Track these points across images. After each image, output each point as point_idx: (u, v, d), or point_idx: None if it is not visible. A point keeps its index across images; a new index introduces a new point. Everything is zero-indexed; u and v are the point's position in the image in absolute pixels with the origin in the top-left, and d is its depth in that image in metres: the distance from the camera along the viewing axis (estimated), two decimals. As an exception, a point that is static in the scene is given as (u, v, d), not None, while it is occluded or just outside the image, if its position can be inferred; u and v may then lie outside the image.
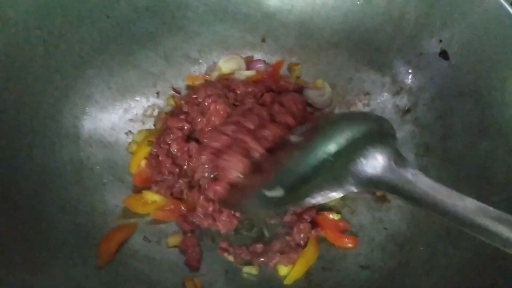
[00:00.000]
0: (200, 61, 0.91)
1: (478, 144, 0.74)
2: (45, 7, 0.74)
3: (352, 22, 0.86)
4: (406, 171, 0.57)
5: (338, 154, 0.57)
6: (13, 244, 0.62)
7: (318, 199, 0.61)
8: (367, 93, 0.89)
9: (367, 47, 0.87)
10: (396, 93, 0.87)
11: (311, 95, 0.89)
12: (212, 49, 0.91)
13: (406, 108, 0.85)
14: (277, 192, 0.60)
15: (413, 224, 0.77)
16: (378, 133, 0.60)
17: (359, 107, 0.89)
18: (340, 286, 0.73)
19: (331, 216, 0.79)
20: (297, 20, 0.89)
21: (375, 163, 0.58)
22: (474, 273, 0.64)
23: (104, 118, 0.83)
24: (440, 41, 0.80)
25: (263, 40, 0.92)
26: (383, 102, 0.88)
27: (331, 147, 0.57)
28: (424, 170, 0.79)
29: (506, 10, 0.70)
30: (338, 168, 0.58)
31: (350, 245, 0.77)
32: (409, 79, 0.86)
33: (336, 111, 0.90)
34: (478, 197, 0.70)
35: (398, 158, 0.58)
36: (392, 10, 0.82)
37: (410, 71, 0.85)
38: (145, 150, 0.81)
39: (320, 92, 0.89)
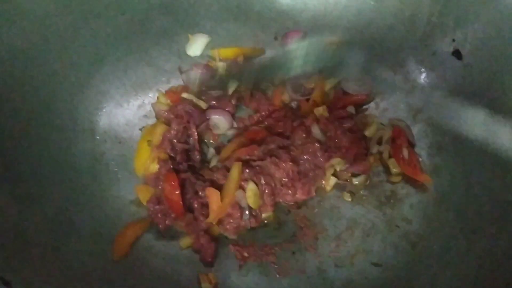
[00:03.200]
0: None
1: (491, 144, 0.74)
2: (62, 3, 0.75)
3: (364, 21, 0.87)
4: None
5: None
6: (33, 236, 0.63)
7: None
8: (379, 92, 0.89)
9: (380, 46, 0.88)
10: (409, 92, 0.87)
11: (352, 85, 0.89)
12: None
13: (418, 107, 0.86)
14: None
15: (425, 222, 0.77)
16: None
17: (371, 105, 0.89)
18: (352, 283, 0.73)
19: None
20: (309, 18, 0.89)
21: None
22: (489, 271, 0.64)
23: (118, 114, 0.84)
24: (453, 40, 0.80)
25: (276, 38, 0.92)
26: (395, 101, 0.88)
27: None
28: (436, 169, 0.81)
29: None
30: None
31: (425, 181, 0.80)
32: (421, 78, 0.86)
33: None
34: (491, 196, 0.71)
35: None
36: (405, 9, 0.83)
37: (422, 70, 0.86)
38: (146, 151, 0.80)
39: (360, 81, 0.89)
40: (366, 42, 0.88)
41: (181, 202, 0.74)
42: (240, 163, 0.77)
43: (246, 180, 0.76)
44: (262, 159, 0.79)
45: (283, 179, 0.79)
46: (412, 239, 0.76)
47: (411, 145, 0.84)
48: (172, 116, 0.82)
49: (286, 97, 0.89)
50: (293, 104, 0.89)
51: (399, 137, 0.83)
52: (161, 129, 0.80)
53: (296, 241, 0.78)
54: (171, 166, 0.77)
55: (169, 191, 0.74)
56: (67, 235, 0.68)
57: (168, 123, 0.82)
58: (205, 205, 0.75)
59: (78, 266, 0.65)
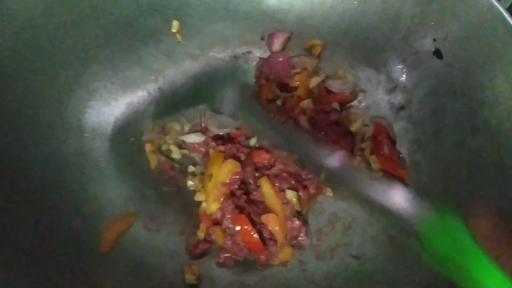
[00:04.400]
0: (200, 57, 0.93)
1: (469, 140, 0.77)
2: (51, 4, 0.76)
3: (349, 21, 0.88)
4: None
5: None
6: (21, 230, 0.65)
7: None
8: (362, 91, 0.91)
9: (364, 45, 0.89)
10: (391, 90, 0.89)
11: (335, 84, 0.91)
12: (213, 47, 0.93)
13: (400, 105, 0.88)
14: None
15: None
16: None
17: (355, 104, 0.91)
18: (332, 275, 0.75)
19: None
20: (295, 18, 0.91)
21: None
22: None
23: (107, 112, 0.85)
24: (434, 40, 0.82)
25: (262, 38, 0.94)
26: (378, 99, 0.90)
27: None
28: (417, 165, 0.83)
29: (498, 11, 0.72)
30: None
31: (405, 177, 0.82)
32: (403, 77, 0.88)
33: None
34: (468, 192, 0.73)
35: None
36: (388, 10, 0.84)
37: (404, 69, 0.87)
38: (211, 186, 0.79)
39: (343, 80, 0.92)
40: (351, 42, 0.90)
41: (261, 242, 0.75)
42: (266, 177, 0.78)
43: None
44: (272, 165, 0.82)
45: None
46: (390, 233, 0.78)
47: (392, 141, 0.86)
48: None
49: (271, 95, 0.91)
50: (279, 102, 0.91)
51: (380, 134, 0.86)
52: (232, 167, 0.79)
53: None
54: (234, 205, 0.77)
55: (246, 235, 0.74)
56: (55, 228, 0.70)
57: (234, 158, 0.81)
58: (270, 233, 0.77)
59: (65, 258, 0.67)
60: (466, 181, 0.75)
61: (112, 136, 0.85)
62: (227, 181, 0.78)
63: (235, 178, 0.78)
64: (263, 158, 0.81)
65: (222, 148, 0.83)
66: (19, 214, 0.66)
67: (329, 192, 0.83)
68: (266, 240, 0.76)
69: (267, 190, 0.78)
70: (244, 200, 0.77)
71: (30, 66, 0.75)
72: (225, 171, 0.78)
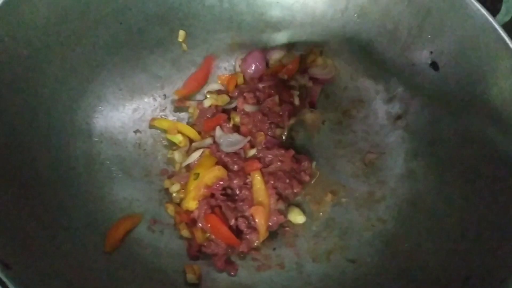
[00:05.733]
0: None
1: (463, 150, 0.79)
2: (63, 13, 0.79)
3: (348, 33, 0.92)
4: None
5: None
6: (32, 227, 0.67)
7: None
8: (361, 101, 0.94)
9: (363, 57, 0.92)
10: (389, 100, 0.92)
11: (316, 71, 0.95)
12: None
13: (398, 114, 0.90)
14: None
15: (399, 223, 0.82)
16: None
17: (353, 113, 0.94)
18: (328, 277, 0.78)
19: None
20: (297, 29, 0.94)
21: None
22: (451, 267, 0.69)
23: (114, 117, 0.88)
24: (431, 52, 0.84)
25: (265, 48, 0.97)
26: (376, 108, 0.93)
27: None
28: (412, 173, 0.85)
29: (492, 26, 0.74)
30: None
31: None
32: (401, 88, 0.90)
33: (331, 116, 0.95)
34: (462, 199, 0.76)
35: None
36: (387, 23, 0.87)
37: (402, 80, 0.90)
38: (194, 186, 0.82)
39: (323, 66, 0.96)
40: (350, 53, 0.93)
41: (233, 235, 0.79)
42: (259, 171, 0.82)
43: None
44: (269, 164, 0.85)
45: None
46: (386, 238, 0.81)
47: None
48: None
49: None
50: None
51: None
52: (219, 173, 0.82)
53: (277, 238, 0.83)
54: (208, 205, 0.81)
55: (217, 232, 0.79)
56: (64, 227, 0.72)
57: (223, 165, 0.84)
58: (249, 224, 0.81)
59: (72, 256, 0.70)
60: (460, 190, 0.77)
61: (118, 140, 0.88)
62: (210, 185, 0.81)
63: (219, 183, 0.82)
64: (255, 167, 0.83)
65: (220, 154, 0.85)
66: (29, 212, 0.69)
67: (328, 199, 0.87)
68: (244, 232, 0.80)
69: (257, 184, 0.81)
70: (220, 200, 0.81)
71: (42, 72, 0.78)
72: (211, 175, 0.81)
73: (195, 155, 0.86)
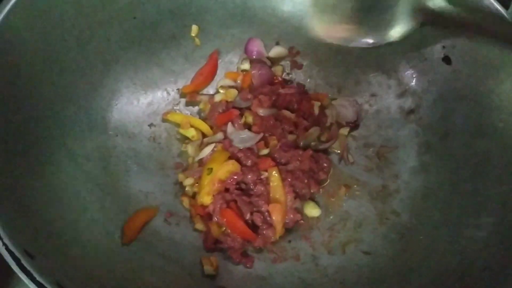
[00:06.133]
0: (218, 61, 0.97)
1: (475, 143, 0.80)
2: (78, 7, 0.79)
3: (362, 28, 0.92)
4: None
5: None
6: (53, 218, 0.68)
7: None
8: (373, 95, 0.94)
9: (375, 52, 0.92)
10: (401, 95, 0.92)
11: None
12: (229, 51, 0.97)
13: (410, 109, 0.91)
14: None
15: (413, 215, 0.82)
16: None
17: (365, 107, 0.94)
18: (344, 269, 0.78)
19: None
20: (309, 24, 0.94)
21: None
22: (467, 258, 0.70)
23: (129, 111, 0.89)
24: (443, 47, 0.85)
25: (277, 43, 0.97)
26: (388, 103, 0.93)
27: None
28: (425, 166, 0.86)
29: (505, 19, 0.75)
30: None
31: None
32: (413, 82, 0.91)
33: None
34: (474, 192, 0.76)
35: None
36: (399, 16, 0.88)
37: (414, 75, 0.91)
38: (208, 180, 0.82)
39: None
40: (363, 48, 0.93)
41: (249, 230, 0.79)
42: (276, 168, 0.82)
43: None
44: (288, 162, 0.85)
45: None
46: (400, 230, 0.81)
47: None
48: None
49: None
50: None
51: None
52: (232, 167, 0.82)
53: (292, 231, 0.83)
54: (223, 200, 0.80)
55: (233, 227, 0.79)
56: (83, 220, 0.73)
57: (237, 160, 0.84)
58: (265, 220, 0.81)
59: (92, 247, 0.70)
60: (472, 182, 0.78)
61: (133, 133, 0.88)
62: (224, 179, 0.81)
63: (233, 178, 0.82)
64: (268, 165, 0.83)
65: (233, 149, 0.85)
66: (51, 205, 0.69)
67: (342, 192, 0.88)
68: (260, 227, 0.80)
69: (275, 181, 0.81)
70: (235, 194, 0.81)
71: (58, 66, 0.78)
72: (224, 170, 0.81)
73: (207, 150, 0.86)
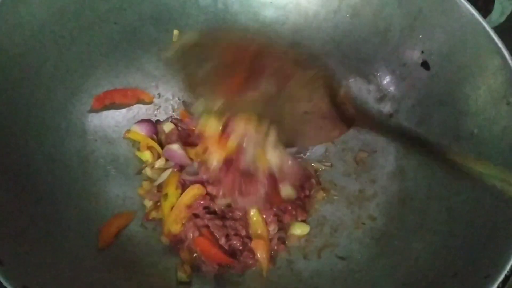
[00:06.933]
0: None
1: (453, 148, 0.80)
2: (58, 12, 0.80)
3: (341, 33, 0.92)
4: None
5: None
6: (26, 223, 0.68)
7: None
8: (353, 99, 0.94)
9: (355, 56, 0.93)
10: (380, 99, 0.92)
11: None
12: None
13: (389, 113, 0.91)
14: None
15: (389, 220, 0.83)
16: None
17: (346, 111, 0.94)
18: (318, 274, 0.78)
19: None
20: (291, 30, 0.95)
21: None
22: (439, 264, 0.70)
23: (108, 116, 0.89)
24: (422, 52, 0.85)
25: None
26: (368, 108, 0.93)
27: None
28: (402, 171, 0.86)
29: (482, 26, 0.75)
30: None
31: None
32: (392, 87, 0.91)
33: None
34: (451, 194, 0.77)
35: None
36: (379, 23, 0.88)
37: (393, 79, 0.91)
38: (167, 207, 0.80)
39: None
40: (343, 53, 0.94)
41: (225, 256, 0.77)
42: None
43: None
44: None
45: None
46: (376, 235, 0.82)
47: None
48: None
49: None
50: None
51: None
52: (198, 192, 0.79)
53: (269, 236, 0.84)
54: (195, 227, 0.78)
55: (208, 255, 0.77)
56: (58, 224, 0.73)
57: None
58: (245, 243, 0.79)
59: (66, 253, 0.70)
60: (449, 188, 0.78)
61: (112, 138, 0.89)
62: (191, 205, 0.79)
63: (199, 203, 0.79)
64: None
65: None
66: (23, 209, 0.70)
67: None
68: (238, 251, 0.78)
69: (255, 216, 0.79)
70: (207, 219, 0.79)
71: (37, 71, 0.79)
72: (190, 195, 0.79)
73: (165, 175, 0.84)
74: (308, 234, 0.84)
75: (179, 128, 0.91)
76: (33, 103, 0.79)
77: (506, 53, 0.73)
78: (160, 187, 0.84)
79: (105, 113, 0.89)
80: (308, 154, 0.92)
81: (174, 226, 0.79)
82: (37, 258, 0.65)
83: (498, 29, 0.80)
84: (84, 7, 0.83)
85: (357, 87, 0.94)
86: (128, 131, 0.90)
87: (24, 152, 0.75)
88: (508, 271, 0.62)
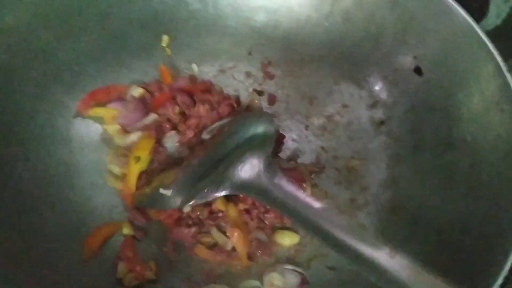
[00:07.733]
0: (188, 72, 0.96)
1: (445, 156, 0.79)
2: (44, 18, 0.79)
3: (333, 38, 0.91)
4: (274, 178, 0.64)
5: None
6: (6, 234, 0.67)
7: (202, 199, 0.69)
8: (345, 106, 0.93)
9: (347, 62, 0.92)
10: (372, 106, 0.91)
11: None
12: (201, 61, 0.96)
13: (381, 120, 0.90)
14: (168, 192, 0.70)
15: (380, 230, 0.82)
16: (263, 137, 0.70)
17: (337, 118, 0.93)
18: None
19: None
20: (282, 35, 0.94)
21: (250, 168, 0.66)
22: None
23: (95, 124, 0.87)
24: (415, 57, 0.84)
25: (250, 53, 0.97)
26: (360, 114, 0.92)
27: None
28: (394, 179, 0.85)
29: (475, 32, 0.74)
30: (220, 172, 0.67)
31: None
32: (384, 93, 0.90)
33: (315, 121, 0.94)
34: (443, 203, 0.75)
35: (269, 166, 0.65)
36: (371, 28, 0.87)
37: (386, 85, 0.90)
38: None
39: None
40: (335, 58, 0.93)
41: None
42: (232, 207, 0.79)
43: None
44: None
45: None
46: (366, 245, 0.80)
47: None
48: None
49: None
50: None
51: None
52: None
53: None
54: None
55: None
56: (42, 235, 0.72)
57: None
58: None
59: (50, 264, 0.69)
60: (440, 195, 0.77)
61: (99, 147, 0.87)
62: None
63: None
64: None
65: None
66: (7, 220, 0.69)
67: None
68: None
69: (232, 213, 0.79)
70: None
71: (23, 78, 0.78)
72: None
73: (134, 137, 0.85)
74: (298, 244, 0.82)
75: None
76: (18, 111, 0.77)
77: (499, 59, 0.72)
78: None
79: (91, 121, 0.87)
80: (298, 161, 0.91)
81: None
82: (19, 271, 0.64)
83: (493, 32, 0.79)
84: (71, 12, 0.82)
85: (349, 93, 0.93)
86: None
87: (6, 163, 0.73)
88: (503, 279, 0.61)
